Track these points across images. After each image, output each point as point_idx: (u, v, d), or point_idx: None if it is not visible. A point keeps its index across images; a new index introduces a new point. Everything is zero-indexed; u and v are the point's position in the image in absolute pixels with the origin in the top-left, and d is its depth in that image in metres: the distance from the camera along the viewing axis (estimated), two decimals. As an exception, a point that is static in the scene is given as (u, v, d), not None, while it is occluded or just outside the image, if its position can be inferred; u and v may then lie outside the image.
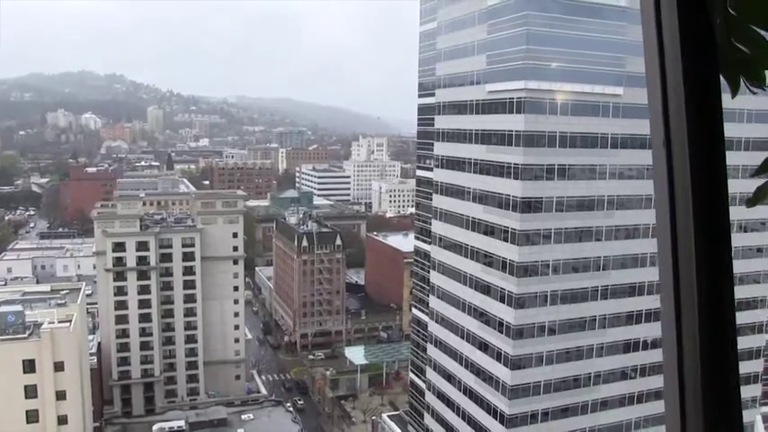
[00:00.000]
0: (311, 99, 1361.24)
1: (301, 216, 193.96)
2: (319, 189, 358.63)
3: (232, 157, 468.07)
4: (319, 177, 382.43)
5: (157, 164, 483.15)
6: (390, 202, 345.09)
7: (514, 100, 76.39)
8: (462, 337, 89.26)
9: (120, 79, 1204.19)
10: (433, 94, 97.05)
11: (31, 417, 71.36)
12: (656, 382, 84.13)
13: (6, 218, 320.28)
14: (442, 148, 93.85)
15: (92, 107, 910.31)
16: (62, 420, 72.76)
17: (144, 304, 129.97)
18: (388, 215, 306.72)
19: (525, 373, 79.05)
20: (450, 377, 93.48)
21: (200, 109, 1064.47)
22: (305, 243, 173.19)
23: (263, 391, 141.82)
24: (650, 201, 79.65)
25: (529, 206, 76.40)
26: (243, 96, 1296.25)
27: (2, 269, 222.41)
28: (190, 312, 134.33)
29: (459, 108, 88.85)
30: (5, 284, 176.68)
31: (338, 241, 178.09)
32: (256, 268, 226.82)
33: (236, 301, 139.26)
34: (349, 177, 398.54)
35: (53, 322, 74.37)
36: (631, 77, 76.24)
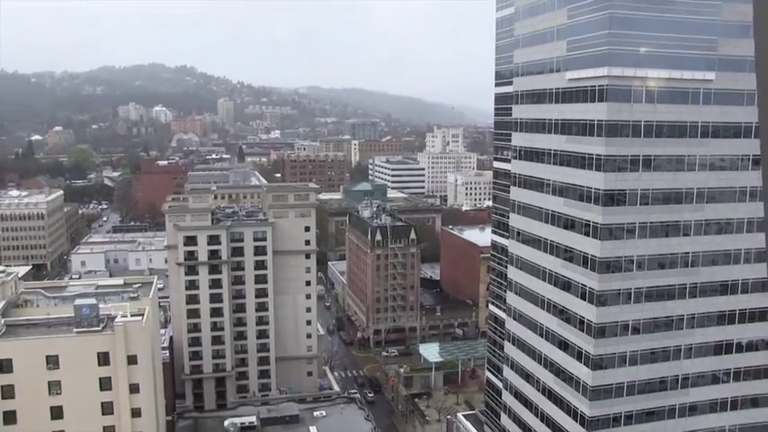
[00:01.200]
0: (383, 89, 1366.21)
1: (375, 209, 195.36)
2: (393, 181, 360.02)
3: (304, 149, 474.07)
4: (393, 169, 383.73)
5: (228, 156, 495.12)
6: (466, 194, 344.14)
7: (596, 88, 75.20)
8: (541, 335, 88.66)
9: (191, 71, 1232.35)
10: (510, 83, 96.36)
11: (106, 409, 74.47)
12: (754, 387, 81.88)
13: (80, 211, 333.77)
14: (520, 139, 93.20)
15: (162, 100, 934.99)
16: (135, 413, 75.63)
17: (215, 298, 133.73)
18: (463, 208, 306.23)
19: (607, 373, 77.99)
20: (528, 376, 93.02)
21: (271, 100, 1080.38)
22: (378, 237, 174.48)
23: (336, 387, 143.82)
24: (745, 193, 77.32)
25: (612, 199, 75.21)
26: (314, 87, 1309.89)
27: (76, 262, 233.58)
28: (261, 307, 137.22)
29: (538, 97, 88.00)
30: (80, 277, 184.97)
31: (412, 235, 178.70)
32: (329, 262, 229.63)
33: (308, 296, 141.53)
34: (423, 169, 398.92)
35: (126, 316, 77.07)
36: (725, 61, 74.07)
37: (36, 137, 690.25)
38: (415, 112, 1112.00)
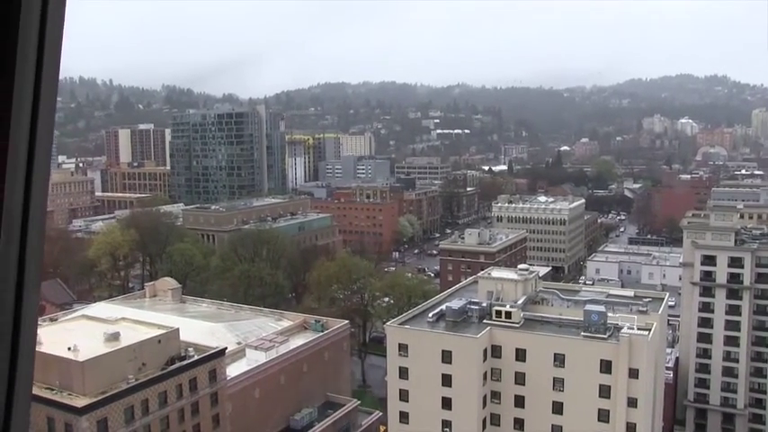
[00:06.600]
0: None
1: None
2: None
3: None
4: None
5: (761, 173, 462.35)
6: None
7: None
8: None
9: (722, 81, 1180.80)
10: None
11: (602, 416, 75.69)
12: None
13: (599, 220, 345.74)
14: None
15: (688, 111, 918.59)
16: (630, 428, 75.25)
17: (731, 326, 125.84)
18: None
19: None
20: None
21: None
22: None
23: None
24: None
25: None
26: None
27: (591, 269, 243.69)
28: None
29: None
30: (593, 284, 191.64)
31: None
32: None
33: None
34: None
35: (632, 328, 77.20)
36: None
37: (564, 147, 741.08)
38: None
